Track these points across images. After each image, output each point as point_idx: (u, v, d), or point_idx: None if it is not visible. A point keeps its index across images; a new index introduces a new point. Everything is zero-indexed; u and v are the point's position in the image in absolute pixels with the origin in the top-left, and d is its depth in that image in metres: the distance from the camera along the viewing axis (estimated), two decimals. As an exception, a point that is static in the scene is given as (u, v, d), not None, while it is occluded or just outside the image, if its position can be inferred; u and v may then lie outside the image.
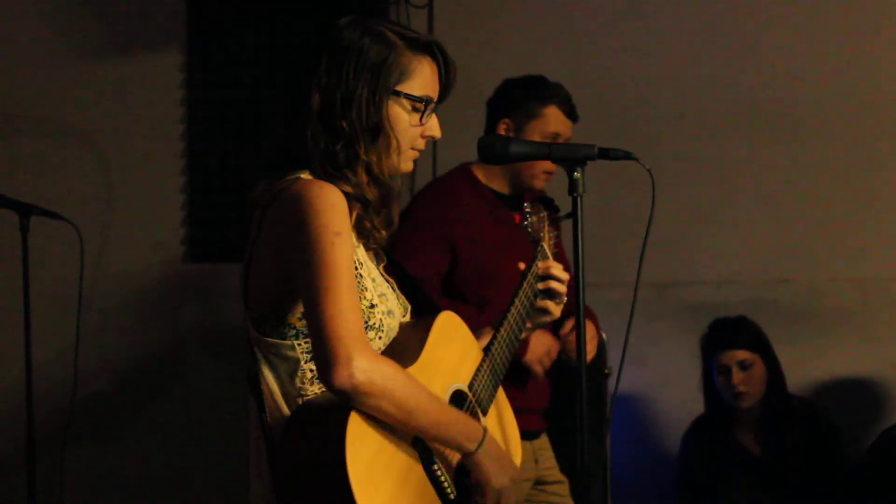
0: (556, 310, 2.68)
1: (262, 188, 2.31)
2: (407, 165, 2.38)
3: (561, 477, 3.75)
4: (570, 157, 2.50)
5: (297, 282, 2.20)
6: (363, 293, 2.29)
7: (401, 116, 2.34)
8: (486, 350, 2.53)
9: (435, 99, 2.37)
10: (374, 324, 2.30)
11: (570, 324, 3.63)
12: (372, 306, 2.30)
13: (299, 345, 2.27)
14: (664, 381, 4.73)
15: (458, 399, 2.42)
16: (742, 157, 4.79)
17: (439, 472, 2.28)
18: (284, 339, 2.28)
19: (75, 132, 4.88)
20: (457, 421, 2.31)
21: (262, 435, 2.29)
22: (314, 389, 2.26)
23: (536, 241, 2.76)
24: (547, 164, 3.63)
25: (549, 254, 2.77)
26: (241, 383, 2.37)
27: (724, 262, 4.79)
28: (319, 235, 2.17)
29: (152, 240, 4.90)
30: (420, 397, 2.22)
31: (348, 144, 2.30)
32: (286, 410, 2.27)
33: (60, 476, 4.20)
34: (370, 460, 2.16)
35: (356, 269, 2.29)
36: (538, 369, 3.63)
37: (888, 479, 4.17)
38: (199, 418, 4.80)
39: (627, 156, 2.50)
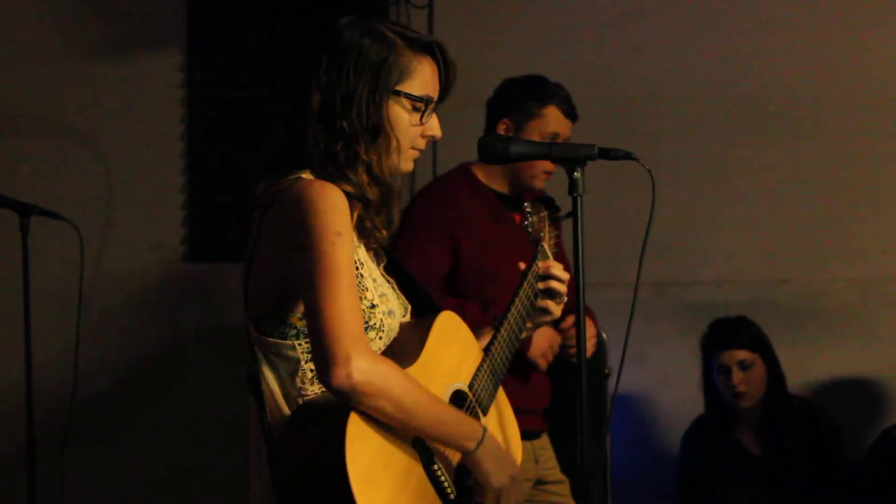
0: (556, 310, 2.68)
1: (263, 188, 2.31)
2: (407, 165, 2.38)
3: (561, 477, 3.75)
4: (570, 157, 2.50)
5: (298, 282, 2.20)
6: (364, 293, 2.29)
7: (401, 116, 2.34)
8: (487, 350, 2.53)
9: (435, 99, 2.37)
10: (375, 324, 2.30)
11: (570, 319, 3.63)
12: (373, 306, 2.30)
13: (300, 345, 2.27)
14: (664, 381, 4.73)
15: (458, 399, 2.42)
16: (742, 157, 4.79)
17: (439, 473, 2.28)
18: (285, 338, 2.28)
19: (75, 132, 4.88)
20: (456, 420, 2.31)
21: (263, 435, 2.29)
22: (315, 389, 2.26)
23: (537, 241, 2.76)
24: (547, 164, 3.63)
25: (550, 253, 2.77)
26: (241, 383, 2.37)
27: (724, 262, 4.79)
28: (320, 235, 2.17)
29: (152, 240, 4.90)
30: (419, 397, 2.22)
31: (349, 144, 2.30)
32: (286, 410, 2.27)
33: (60, 476, 4.20)
34: (370, 460, 2.16)
35: (357, 268, 2.29)
36: (542, 364, 3.64)
37: (888, 479, 4.17)
38: (199, 418, 4.80)
39: (627, 156, 2.50)
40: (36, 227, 4.10)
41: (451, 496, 2.30)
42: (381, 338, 2.31)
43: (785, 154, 4.77)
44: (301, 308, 2.25)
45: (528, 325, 2.66)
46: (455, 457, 2.35)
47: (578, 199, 2.49)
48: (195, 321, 4.88)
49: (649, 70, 4.80)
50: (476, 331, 2.59)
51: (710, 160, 4.79)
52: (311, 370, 2.26)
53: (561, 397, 3.71)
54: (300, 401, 2.27)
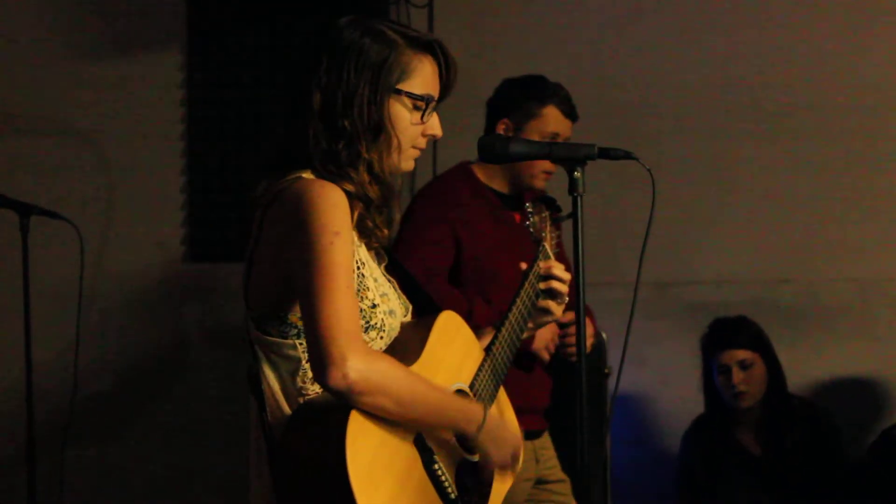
0: (557, 310, 2.68)
1: (264, 188, 2.31)
2: (408, 164, 2.38)
3: (562, 476, 3.75)
4: (570, 156, 2.50)
5: (296, 281, 2.20)
6: (365, 293, 2.29)
7: (402, 115, 2.34)
8: (488, 350, 2.53)
9: (436, 97, 2.37)
10: (376, 323, 2.30)
11: (569, 314, 3.63)
12: (374, 306, 2.30)
13: (301, 344, 2.27)
14: (664, 381, 4.73)
15: (459, 399, 2.42)
16: (742, 157, 4.79)
17: (440, 472, 2.29)
18: (286, 338, 2.28)
19: (75, 132, 4.88)
20: (457, 407, 2.32)
21: (263, 434, 2.29)
22: (315, 389, 2.26)
23: (538, 241, 2.76)
24: (546, 164, 3.63)
25: (551, 254, 2.77)
26: (241, 383, 2.37)
27: (724, 262, 4.79)
28: (318, 235, 2.17)
29: (152, 240, 4.90)
30: (417, 388, 2.22)
31: (350, 143, 2.30)
32: (287, 410, 2.27)
33: (60, 476, 4.20)
34: (371, 460, 2.16)
35: (358, 268, 2.29)
36: (546, 356, 3.65)
37: (888, 479, 4.17)
38: (199, 418, 4.80)
39: (627, 156, 2.51)
40: (36, 227, 4.10)
41: (452, 496, 2.30)
42: (381, 337, 2.31)
43: (785, 154, 4.77)
44: (301, 307, 2.25)
45: (530, 325, 2.66)
46: (455, 456, 2.35)
47: (578, 198, 2.49)
48: (195, 321, 4.88)
49: (649, 70, 4.80)
50: (478, 330, 2.59)
51: (710, 160, 4.79)
52: (312, 369, 2.26)
53: (561, 397, 3.71)
54: (301, 400, 2.27)
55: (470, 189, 3.72)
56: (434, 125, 2.38)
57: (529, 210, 2.76)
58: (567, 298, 2.69)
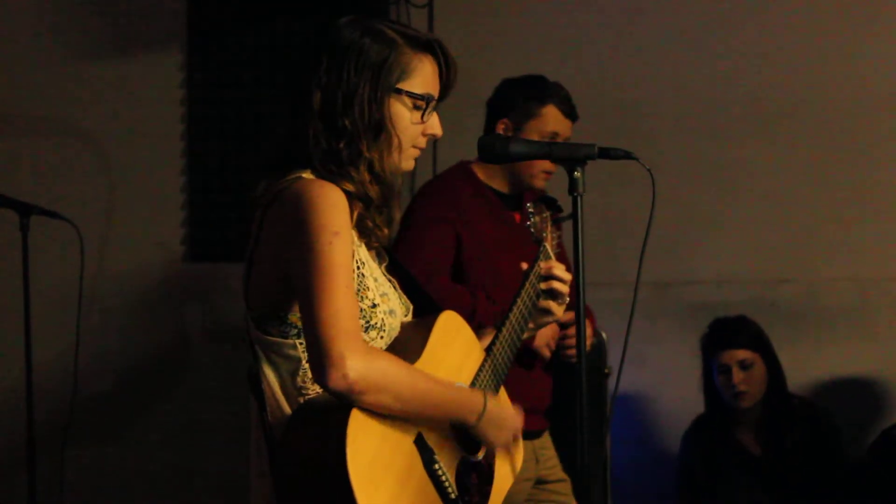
0: (558, 310, 2.68)
1: (264, 188, 2.31)
2: (408, 164, 2.38)
3: (563, 476, 3.75)
4: (570, 156, 2.50)
5: (296, 281, 2.20)
6: (365, 293, 2.29)
7: (402, 114, 2.34)
8: (488, 350, 2.53)
9: (436, 97, 2.37)
10: (376, 323, 2.30)
11: (570, 314, 3.63)
12: (374, 306, 2.30)
13: (301, 344, 2.27)
14: (664, 381, 4.73)
15: (459, 399, 2.42)
16: (742, 157, 4.79)
17: (440, 472, 2.29)
18: (286, 337, 2.28)
19: (75, 132, 4.88)
20: (457, 399, 2.33)
21: (263, 434, 2.29)
22: (315, 388, 2.26)
23: (539, 241, 2.76)
24: (546, 164, 3.63)
25: (552, 254, 2.77)
26: (241, 383, 2.37)
27: (724, 262, 4.79)
28: (318, 235, 2.17)
29: (152, 240, 4.90)
30: (417, 384, 2.23)
31: (351, 143, 2.30)
32: (287, 409, 2.27)
33: (60, 476, 4.20)
34: (371, 459, 2.16)
35: (358, 268, 2.29)
36: (546, 353, 3.65)
37: (888, 479, 4.17)
38: (199, 418, 4.80)
39: (627, 155, 2.51)
40: (36, 227, 4.10)
41: (452, 495, 2.30)
42: (382, 337, 2.31)
43: (785, 154, 4.77)
44: (301, 307, 2.25)
45: (530, 325, 2.66)
46: (456, 456, 2.35)
47: (578, 198, 2.49)
48: (195, 321, 4.88)
49: (649, 70, 4.80)
50: (480, 329, 2.59)
51: (710, 160, 4.79)
52: (313, 369, 2.26)
53: (561, 397, 3.72)
54: (301, 400, 2.27)
55: (470, 189, 3.71)
56: (434, 125, 2.39)
57: (530, 210, 2.76)
58: (568, 299, 2.69)
